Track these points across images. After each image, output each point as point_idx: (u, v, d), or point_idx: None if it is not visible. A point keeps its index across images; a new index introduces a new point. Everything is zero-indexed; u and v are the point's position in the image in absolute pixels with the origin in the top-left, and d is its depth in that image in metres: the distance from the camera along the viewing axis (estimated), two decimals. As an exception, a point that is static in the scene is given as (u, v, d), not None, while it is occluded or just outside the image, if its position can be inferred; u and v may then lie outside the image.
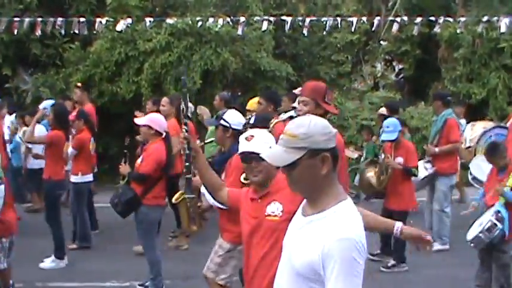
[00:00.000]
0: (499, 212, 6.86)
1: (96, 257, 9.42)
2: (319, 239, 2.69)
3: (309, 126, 2.82)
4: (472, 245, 7.07)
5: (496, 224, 6.80)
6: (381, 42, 22.09)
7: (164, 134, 7.51)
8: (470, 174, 9.71)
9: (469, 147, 10.46)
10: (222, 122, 6.08)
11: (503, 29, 17.44)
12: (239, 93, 15.83)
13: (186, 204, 5.75)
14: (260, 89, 15.06)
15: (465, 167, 10.78)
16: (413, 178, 9.26)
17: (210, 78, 15.20)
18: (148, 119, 7.61)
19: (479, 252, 7.28)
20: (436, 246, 9.70)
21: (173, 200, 6.09)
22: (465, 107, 13.34)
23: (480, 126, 10.83)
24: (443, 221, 9.81)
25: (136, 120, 7.90)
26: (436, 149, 9.85)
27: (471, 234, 7.02)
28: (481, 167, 8.83)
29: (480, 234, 6.88)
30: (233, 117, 6.11)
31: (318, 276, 2.71)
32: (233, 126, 5.97)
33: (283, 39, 18.25)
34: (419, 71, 21.18)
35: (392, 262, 8.82)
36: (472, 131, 10.78)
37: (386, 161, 8.90)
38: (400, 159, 8.77)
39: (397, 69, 23.52)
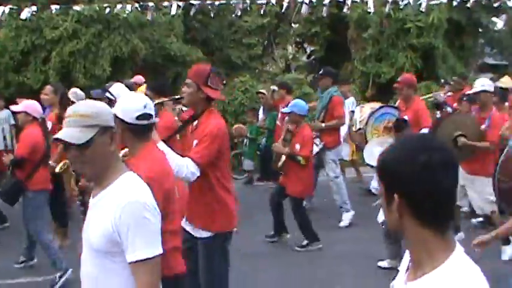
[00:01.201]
0: None
1: (6, 252, 9.13)
2: (109, 211, 2.84)
3: (96, 105, 3.01)
4: (383, 226, 7.26)
5: None
6: (292, 24, 22.25)
7: (40, 119, 7.50)
8: (365, 161, 9.93)
9: (360, 129, 10.71)
10: (107, 94, 6.09)
11: (408, 10, 17.94)
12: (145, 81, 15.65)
13: (69, 170, 5.72)
14: (171, 74, 15.01)
15: (360, 149, 11.04)
16: None
17: (120, 65, 15.03)
18: (24, 106, 7.53)
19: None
20: (346, 220, 9.98)
21: (57, 170, 6.07)
22: (349, 84, 13.41)
23: (368, 108, 11.11)
24: (340, 186, 10.08)
25: (12, 108, 7.88)
26: (323, 125, 10.11)
27: (382, 216, 7.22)
28: (373, 153, 8.99)
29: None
30: (118, 90, 6.12)
31: (118, 247, 2.84)
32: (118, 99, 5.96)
33: (193, 24, 18.14)
34: (330, 52, 21.50)
35: (305, 241, 8.94)
36: (361, 113, 11.02)
37: (273, 146, 9.05)
38: (297, 146, 8.77)
39: (308, 51, 23.76)
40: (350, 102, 12.04)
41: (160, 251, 2.88)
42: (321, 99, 10.49)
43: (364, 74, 18.53)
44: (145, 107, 4.14)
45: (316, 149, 9.75)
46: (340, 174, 10.30)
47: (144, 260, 2.79)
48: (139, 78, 10.67)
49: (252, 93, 16.28)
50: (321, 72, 10.72)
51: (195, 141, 5.04)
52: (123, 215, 2.78)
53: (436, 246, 2.02)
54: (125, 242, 2.79)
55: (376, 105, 11.51)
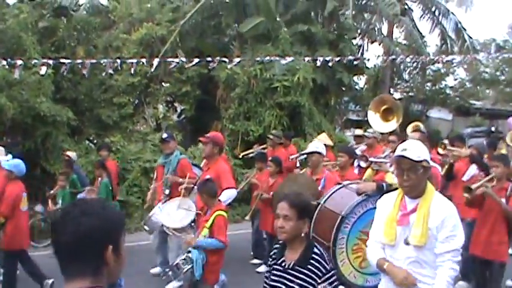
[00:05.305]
0: (189, 252, 7.23)
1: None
2: None
3: None
4: (163, 277, 7.41)
5: (183, 263, 7.15)
6: (163, 83, 22.43)
7: None
8: (163, 225, 9.17)
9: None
10: None
11: (275, 71, 18.68)
12: (19, 139, 15.37)
13: None
14: (41, 134, 14.79)
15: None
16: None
17: (-13, 125, 14.64)
18: None
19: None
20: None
21: None
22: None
23: None
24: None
25: None
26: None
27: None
28: (170, 215, 8.84)
29: (167, 270, 7.37)
30: None
31: None
32: None
33: (63, 83, 17.93)
34: (200, 111, 21.87)
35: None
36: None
37: None
38: None
39: (178, 110, 23.96)
40: None
41: None
42: (168, 164, 10.12)
43: (233, 132, 18.95)
44: None
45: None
46: None
47: None
48: None
49: (123, 153, 16.28)
50: (165, 137, 10.28)
51: None
52: None
53: None
54: None
55: None
